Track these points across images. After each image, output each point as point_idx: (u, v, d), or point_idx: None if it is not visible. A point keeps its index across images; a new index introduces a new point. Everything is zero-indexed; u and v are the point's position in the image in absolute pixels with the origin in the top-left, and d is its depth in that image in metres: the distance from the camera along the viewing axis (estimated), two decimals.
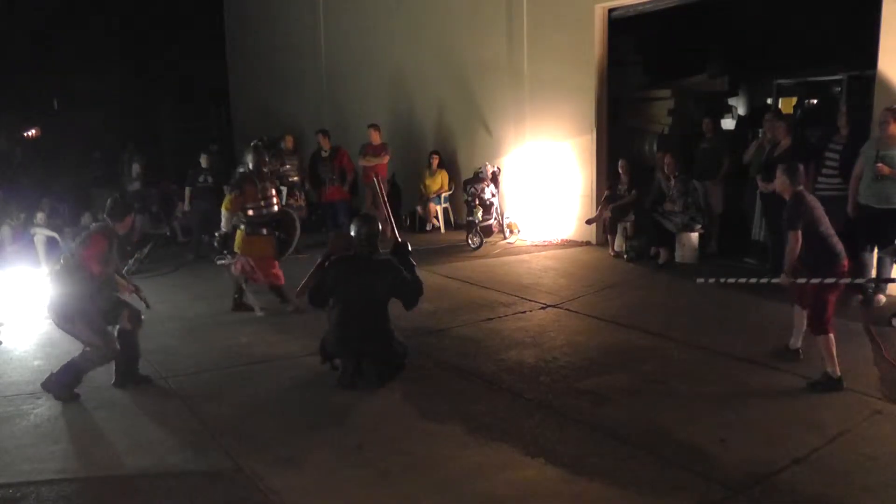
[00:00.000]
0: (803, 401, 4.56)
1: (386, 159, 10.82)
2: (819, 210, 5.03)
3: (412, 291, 5.21)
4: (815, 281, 4.83)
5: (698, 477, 3.68)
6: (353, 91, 13.42)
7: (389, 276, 5.12)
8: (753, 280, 5.31)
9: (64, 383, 4.92)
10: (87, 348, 4.94)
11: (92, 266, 4.86)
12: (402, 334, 5.43)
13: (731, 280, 5.45)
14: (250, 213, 6.82)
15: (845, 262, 4.95)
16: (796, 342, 5.27)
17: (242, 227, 6.87)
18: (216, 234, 6.86)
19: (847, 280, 4.91)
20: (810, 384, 4.77)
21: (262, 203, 6.87)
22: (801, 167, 5.26)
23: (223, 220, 6.84)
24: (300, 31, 14.62)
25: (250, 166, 6.94)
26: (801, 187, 5.11)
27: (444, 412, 4.54)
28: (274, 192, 7.05)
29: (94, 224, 5.04)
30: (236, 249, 6.92)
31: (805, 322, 5.09)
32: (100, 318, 4.98)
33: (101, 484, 3.85)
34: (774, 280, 5.11)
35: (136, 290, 5.27)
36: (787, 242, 4.99)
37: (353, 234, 5.18)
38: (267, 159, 7.13)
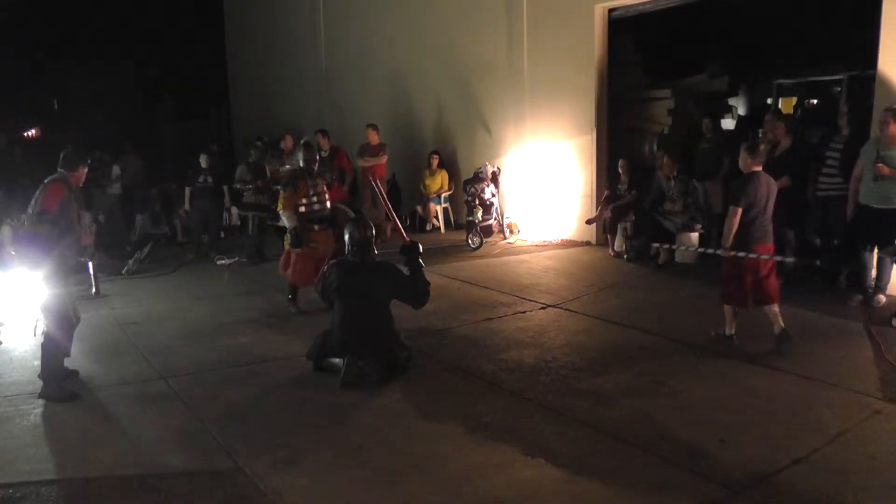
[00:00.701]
0: (803, 401, 4.56)
1: (384, 159, 10.82)
2: (761, 194, 5.41)
3: (416, 293, 5.25)
4: (752, 256, 5.34)
5: (698, 477, 3.67)
6: (352, 91, 13.42)
7: (388, 278, 5.18)
8: (701, 249, 6.39)
9: (51, 379, 4.95)
10: (44, 329, 5.02)
11: (49, 205, 4.92)
12: (403, 335, 5.44)
13: (683, 248, 6.77)
14: (302, 209, 6.82)
15: (758, 247, 5.39)
16: (777, 326, 5.43)
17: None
18: (288, 231, 6.84)
19: (768, 257, 5.43)
20: (716, 335, 5.66)
21: (314, 199, 6.86)
22: (762, 147, 5.80)
23: (284, 218, 6.86)
24: (300, 32, 14.63)
25: (301, 163, 6.96)
26: (759, 167, 5.50)
27: (444, 412, 4.54)
28: (325, 188, 7.02)
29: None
30: (285, 246, 6.93)
31: (776, 309, 5.49)
32: (65, 283, 5.06)
33: (100, 484, 3.84)
34: (718, 251, 5.60)
35: (92, 255, 5.38)
36: (728, 215, 5.45)
37: (346, 237, 5.24)
38: (317, 157, 7.11)
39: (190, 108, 20.09)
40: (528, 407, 4.62)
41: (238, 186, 10.05)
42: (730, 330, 5.65)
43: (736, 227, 5.36)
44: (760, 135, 8.26)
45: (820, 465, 3.76)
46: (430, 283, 5.35)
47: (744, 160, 5.54)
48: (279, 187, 9.76)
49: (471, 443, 4.13)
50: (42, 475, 3.92)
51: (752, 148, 5.58)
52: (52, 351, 4.99)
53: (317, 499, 3.65)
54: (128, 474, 3.93)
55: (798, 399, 4.59)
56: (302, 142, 7.27)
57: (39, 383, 5.03)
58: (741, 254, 5.33)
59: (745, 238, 5.40)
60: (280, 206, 6.87)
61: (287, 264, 6.91)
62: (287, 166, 10.54)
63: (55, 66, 18.64)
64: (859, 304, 6.40)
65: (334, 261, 5.38)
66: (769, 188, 5.49)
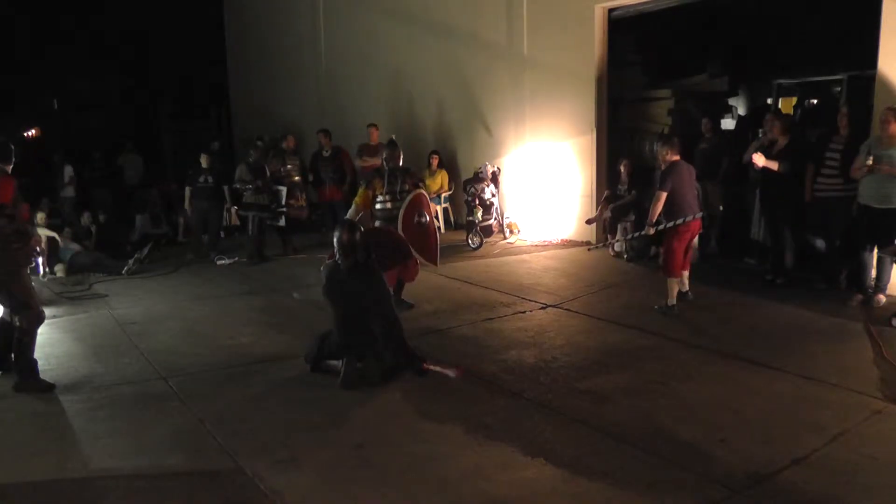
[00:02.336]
0: (803, 401, 4.56)
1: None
2: (683, 179, 6.41)
3: (388, 323, 5.11)
4: (670, 224, 6.37)
5: (698, 477, 3.67)
6: (353, 91, 13.43)
7: (368, 284, 5.09)
8: (629, 237, 7.86)
9: (31, 372, 5.06)
10: (17, 321, 5.09)
11: (5, 197, 4.97)
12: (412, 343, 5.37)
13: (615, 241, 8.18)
14: (377, 206, 6.77)
15: (688, 222, 6.38)
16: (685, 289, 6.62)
17: (378, 222, 6.86)
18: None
19: (687, 219, 6.37)
20: (661, 309, 6.46)
21: (388, 198, 6.74)
22: (677, 140, 6.65)
23: (350, 212, 6.83)
24: (300, 31, 14.63)
25: (384, 162, 6.93)
26: (677, 157, 6.47)
27: (444, 412, 4.54)
28: (412, 187, 6.86)
29: None
30: None
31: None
32: (27, 278, 5.19)
33: (101, 484, 3.84)
34: (642, 233, 6.83)
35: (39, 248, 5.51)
36: (654, 199, 6.42)
37: (335, 240, 5.12)
38: (400, 154, 6.98)
39: (190, 107, 20.10)
40: (528, 407, 4.62)
41: (238, 186, 10.06)
42: (672, 300, 6.45)
43: (659, 209, 6.36)
44: (760, 134, 8.25)
45: (820, 465, 3.76)
46: (400, 347, 5.16)
47: (662, 154, 6.52)
48: (279, 187, 9.81)
49: (471, 443, 4.13)
50: (42, 475, 3.91)
51: (667, 140, 6.63)
52: (30, 345, 5.09)
53: (317, 499, 3.64)
54: (128, 474, 3.93)
55: (798, 399, 4.59)
56: (390, 139, 7.29)
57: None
58: (660, 227, 6.41)
59: (677, 215, 6.34)
60: (355, 200, 6.88)
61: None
62: (289, 166, 10.55)
63: (55, 66, 18.64)
64: (859, 304, 6.40)
65: (328, 262, 5.38)
66: (689, 173, 6.56)
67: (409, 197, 6.71)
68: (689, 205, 6.41)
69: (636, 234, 7.53)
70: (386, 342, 5.09)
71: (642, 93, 11.11)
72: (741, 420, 4.33)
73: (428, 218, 6.70)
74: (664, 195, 6.31)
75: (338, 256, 5.13)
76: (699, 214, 6.53)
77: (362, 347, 5.06)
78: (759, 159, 7.05)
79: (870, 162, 6.04)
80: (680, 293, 6.62)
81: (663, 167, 6.53)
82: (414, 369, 5.12)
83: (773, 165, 6.94)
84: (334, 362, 5.13)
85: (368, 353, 5.04)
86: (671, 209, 6.37)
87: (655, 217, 6.42)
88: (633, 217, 8.84)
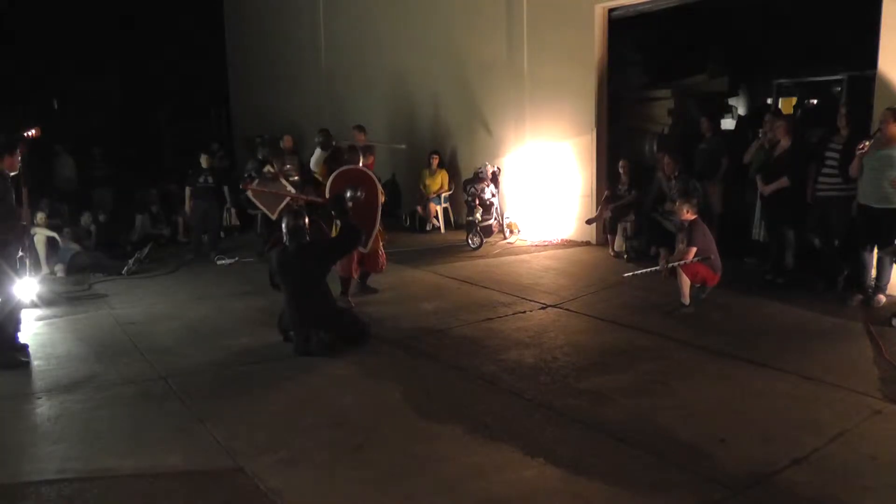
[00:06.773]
0: (803, 401, 4.56)
1: (370, 160, 10.75)
2: (707, 235, 6.62)
3: (341, 244, 6.09)
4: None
5: (698, 477, 3.67)
6: (353, 91, 13.43)
7: (315, 250, 5.81)
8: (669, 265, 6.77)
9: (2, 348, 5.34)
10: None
11: None
12: (400, 333, 5.54)
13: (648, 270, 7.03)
14: None
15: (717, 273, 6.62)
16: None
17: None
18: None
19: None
20: (679, 309, 6.46)
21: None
22: (697, 200, 6.92)
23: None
24: (300, 31, 14.64)
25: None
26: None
27: (444, 412, 4.54)
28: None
29: None
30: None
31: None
32: (11, 266, 5.46)
33: (101, 484, 3.84)
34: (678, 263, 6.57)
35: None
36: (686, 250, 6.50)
37: (283, 226, 5.76)
38: (360, 157, 7.53)
39: (190, 108, 20.10)
40: (528, 407, 4.62)
41: (249, 175, 10.11)
42: (687, 299, 6.53)
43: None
44: (760, 134, 8.26)
45: (820, 465, 3.76)
46: (357, 230, 6.00)
47: (682, 210, 6.59)
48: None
49: (471, 443, 4.13)
50: (42, 475, 3.92)
51: (688, 199, 6.81)
52: (6, 323, 5.40)
53: (317, 499, 3.65)
54: (128, 474, 3.93)
55: (798, 399, 4.59)
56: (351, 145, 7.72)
57: (40, 383, 5.06)
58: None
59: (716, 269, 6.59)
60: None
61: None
62: (287, 165, 10.54)
63: (55, 67, 18.64)
64: (859, 304, 6.40)
65: (276, 248, 5.94)
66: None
67: (341, 168, 7.23)
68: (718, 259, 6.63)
69: (674, 264, 6.67)
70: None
71: (642, 93, 11.11)
72: (741, 420, 4.33)
73: (362, 195, 6.80)
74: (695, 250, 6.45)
75: (286, 240, 5.70)
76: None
77: (309, 320, 5.59)
78: (764, 189, 7.23)
79: (867, 144, 6.04)
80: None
81: (685, 223, 6.59)
82: (363, 339, 5.80)
83: (780, 185, 7.01)
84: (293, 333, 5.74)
85: (315, 325, 5.58)
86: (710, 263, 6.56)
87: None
88: (632, 217, 8.84)
